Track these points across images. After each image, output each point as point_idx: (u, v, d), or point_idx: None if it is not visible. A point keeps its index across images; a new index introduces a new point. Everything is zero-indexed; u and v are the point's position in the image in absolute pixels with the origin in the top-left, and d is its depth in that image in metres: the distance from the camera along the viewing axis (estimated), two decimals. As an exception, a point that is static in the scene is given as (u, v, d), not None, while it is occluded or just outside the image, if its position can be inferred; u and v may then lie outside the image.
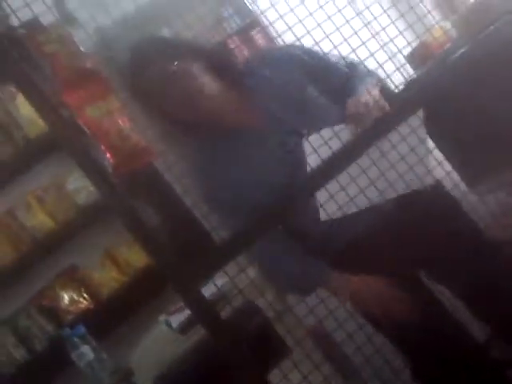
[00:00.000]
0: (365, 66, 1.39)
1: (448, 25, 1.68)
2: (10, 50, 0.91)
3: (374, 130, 1.12)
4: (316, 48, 1.32)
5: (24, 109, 2.22)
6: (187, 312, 1.52)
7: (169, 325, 1.74)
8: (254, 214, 1.05)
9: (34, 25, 1.05)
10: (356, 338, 1.22)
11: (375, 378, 1.39)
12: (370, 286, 1.22)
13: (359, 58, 1.35)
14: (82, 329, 1.53)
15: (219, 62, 1.30)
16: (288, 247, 1.28)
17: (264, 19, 2.59)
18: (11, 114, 2.28)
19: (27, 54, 0.96)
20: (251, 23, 2.60)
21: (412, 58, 1.89)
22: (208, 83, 1.22)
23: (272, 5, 1.33)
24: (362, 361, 1.34)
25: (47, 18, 1.13)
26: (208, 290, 1.15)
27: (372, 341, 1.24)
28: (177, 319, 1.70)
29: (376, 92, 1.26)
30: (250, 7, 2.53)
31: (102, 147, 0.86)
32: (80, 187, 2.28)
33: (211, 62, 1.26)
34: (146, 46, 1.24)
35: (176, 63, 1.19)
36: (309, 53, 1.37)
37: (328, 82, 1.36)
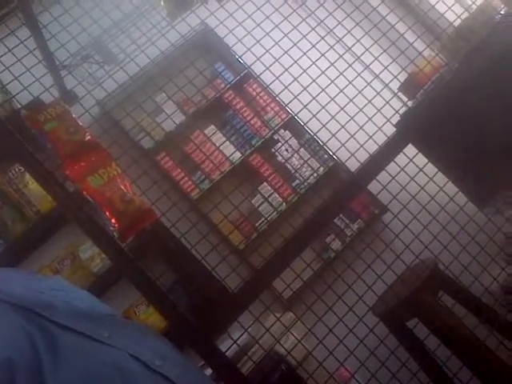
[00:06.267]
0: None
1: (432, 54, 1.72)
2: (13, 132, 0.95)
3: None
4: None
5: (33, 184, 2.29)
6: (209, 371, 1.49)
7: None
8: None
9: (34, 105, 1.10)
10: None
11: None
12: None
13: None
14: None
15: None
16: None
17: (252, 72, 2.70)
18: (21, 191, 2.34)
19: (29, 133, 1.00)
20: (243, 76, 2.68)
21: (404, 90, 1.93)
22: None
23: (258, 58, 1.38)
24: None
25: (48, 97, 1.19)
26: (226, 346, 1.13)
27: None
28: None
29: None
30: (241, 61, 2.62)
31: (107, 214, 0.88)
32: (92, 255, 2.31)
33: None
34: None
35: None
36: None
37: None
